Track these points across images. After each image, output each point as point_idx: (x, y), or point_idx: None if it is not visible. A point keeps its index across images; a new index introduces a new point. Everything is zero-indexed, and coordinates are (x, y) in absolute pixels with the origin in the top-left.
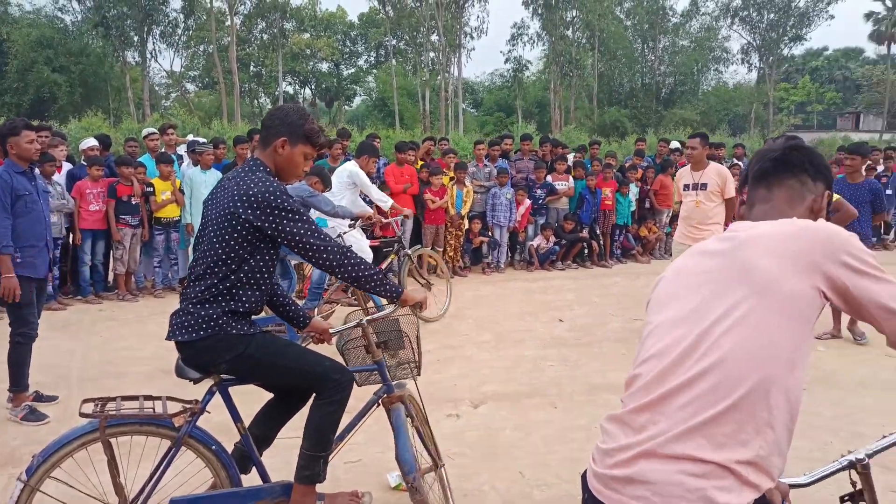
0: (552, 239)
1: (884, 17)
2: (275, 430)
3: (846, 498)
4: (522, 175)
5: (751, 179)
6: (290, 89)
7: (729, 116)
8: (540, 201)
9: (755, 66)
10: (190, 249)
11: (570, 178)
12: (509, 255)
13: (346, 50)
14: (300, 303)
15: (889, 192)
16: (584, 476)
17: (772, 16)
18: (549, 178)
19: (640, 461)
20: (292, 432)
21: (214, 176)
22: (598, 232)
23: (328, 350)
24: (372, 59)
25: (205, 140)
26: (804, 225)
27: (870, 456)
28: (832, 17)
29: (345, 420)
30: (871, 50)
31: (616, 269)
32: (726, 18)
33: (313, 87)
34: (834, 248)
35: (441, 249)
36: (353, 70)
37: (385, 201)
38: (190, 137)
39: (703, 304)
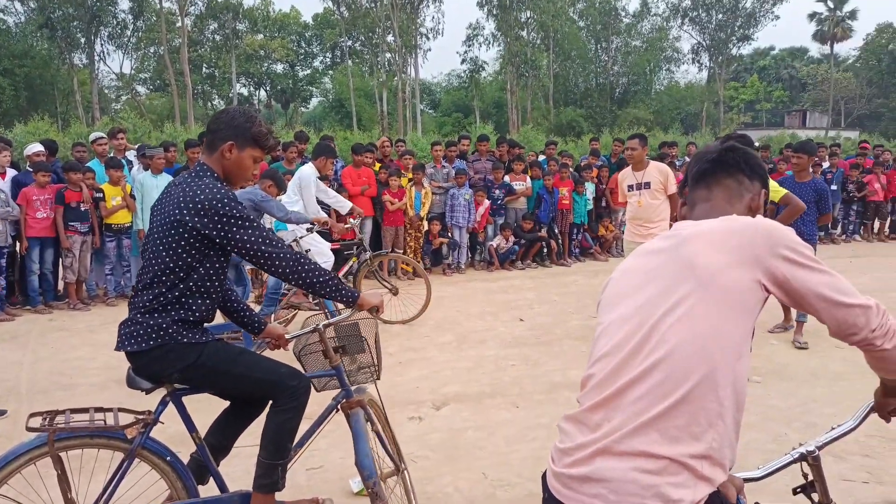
0: (511, 239)
1: (826, 17)
2: (231, 438)
3: (798, 489)
4: (480, 176)
5: (691, 181)
6: (244, 91)
7: (681, 115)
8: (498, 202)
9: (705, 66)
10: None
11: (528, 179)
12: (469, 255)
13: (301, 51)
14: (257, 308)
15: (834, 187)
16: (544, 476)
17: (720, 16)
18: (506, 178)
19: (596, 459)
20: (250, 440)
21: (165, 180)
22: (556, 231)
23: (285, 356)
24: (328, 60)
25: (155, 145)
26: (745, 221)
27: (820, 448)
28: (777, 17)
29: (304, 426)
30: (816, 49)
31: (575, 267)
32: (676, 19)
33: (268, 88)
34: (773, 241)
35: (401, 251)
36: (308, 71)
37: (343, 204)
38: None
39: (650, 301)
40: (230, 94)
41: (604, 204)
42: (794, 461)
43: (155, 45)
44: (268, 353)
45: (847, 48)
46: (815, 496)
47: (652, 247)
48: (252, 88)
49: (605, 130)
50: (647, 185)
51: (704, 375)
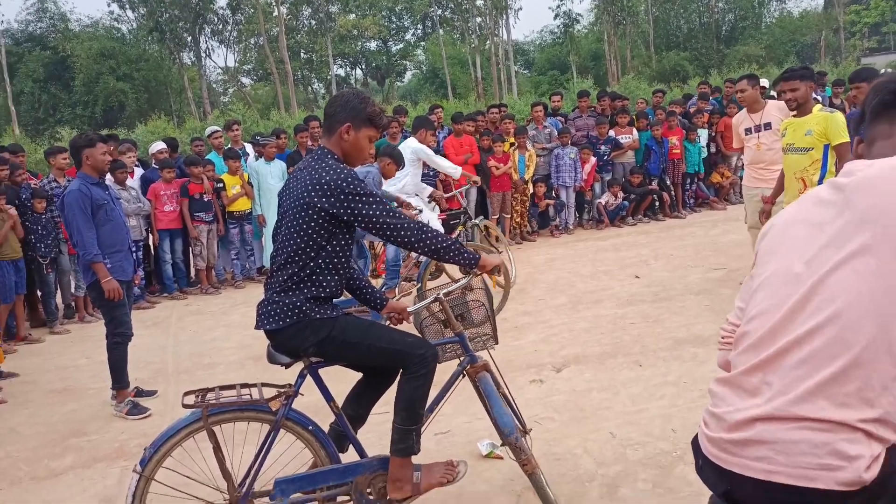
0: (620, 195)
1: None
2: (367, 408)
3: None
4: (583, 133)
5: (869, 115)
6: (341, 72)
7: (797, 48)
8: (605, 157)
9: None
10: (264, 240)
11: (634, 131)
12: (577, 215)
13: (393, 26)
14: (378, 282)
15: None
16: (694, 442)
17: None
18: (611, 132)
19: (757, 424)
20: (382, 408)
21: (278, 166)
22: (668, 183)
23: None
24: (419, 31)
25: (266, 133)
26: None
27: None
28: None
29: (432, 393)
30: None
31: (690, 219)
32: None
33: (364, 66)
34: None
35: (508, 216)
36: (401, 45)
37: (455, 170)
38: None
39: (817, 255)
40: (328, 77)
41: (714, 150)
42: None
43: (255, 37)
44: None
45: None
46: None
47: (822, 193)
48: (348, 68)
49: (713, 72)
50: (768, 125)
51: (877, 336)
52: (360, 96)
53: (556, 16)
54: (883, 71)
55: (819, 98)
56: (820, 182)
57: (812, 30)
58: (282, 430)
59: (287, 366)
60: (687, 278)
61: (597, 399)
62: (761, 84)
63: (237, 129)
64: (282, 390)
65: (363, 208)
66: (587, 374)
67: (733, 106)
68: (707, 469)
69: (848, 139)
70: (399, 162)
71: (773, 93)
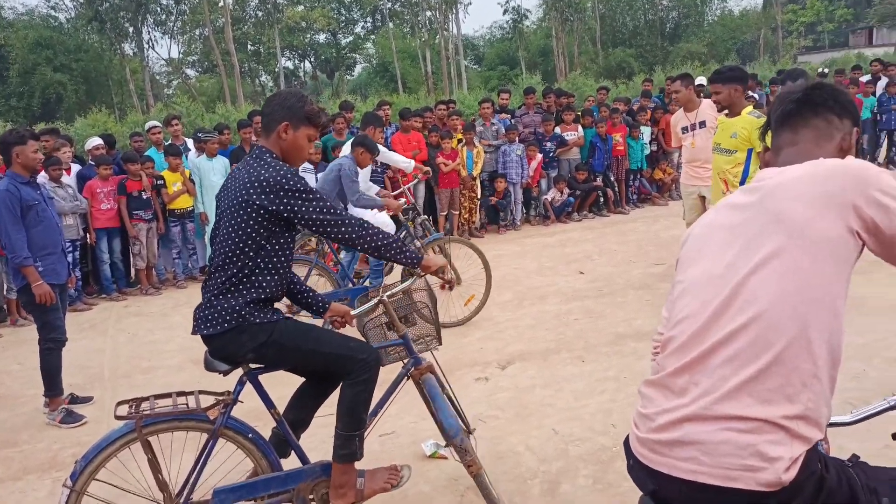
0: (566, 191)
1: None
2: (310, 413)
3: None
4: (530, 129)
5: (774, 123)
6: (289, 64)
7: (737, 45)
8: (551, 154)
9: None
10: (206, 238)
11: (579, 128)
12: (524, 211)
13: (342, 18)
14: (320, 288)
15: None
16: (626, 442)
17: None
18: (557, 129)
19: (685, 424)
20: (325, 410)
21: (221, 162)
22: (612, 179)
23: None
24: (369, 24)
25: (209, 128)
26: (832, 164)
27: None
28: None
29: (377, 395)
30: None
31: (634, 214)
32: None
33: (312, 59)
34: (864, 185)
35: (457, 213)
36: (350, 38)
37: (408, 163)
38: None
39: (735, 258)
40: (276, 69)
41: (656, 147)
42: (890, 408)
43: (200, 28)
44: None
45: None
46: None
47: (736, 200)
48: (297, 61)
49: (658, 69)
50: (703, 124)
51: (797, 335)
52: (298, 95)
53: (505, 11)
54: (822, 70)
55: (756, 96)
56: (742, 184)
57: (752, 28)
58: (221, 439)
59: (225, 373)
60: (629, 273)
61: (540, 395)
62: (697, 83)
63: (177, 125)
64: (220, 398)
65: (303, 205)
66: (531, 371)
67: (675, 103)
68: (637, 469)
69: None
70: (373, 150)
71: None
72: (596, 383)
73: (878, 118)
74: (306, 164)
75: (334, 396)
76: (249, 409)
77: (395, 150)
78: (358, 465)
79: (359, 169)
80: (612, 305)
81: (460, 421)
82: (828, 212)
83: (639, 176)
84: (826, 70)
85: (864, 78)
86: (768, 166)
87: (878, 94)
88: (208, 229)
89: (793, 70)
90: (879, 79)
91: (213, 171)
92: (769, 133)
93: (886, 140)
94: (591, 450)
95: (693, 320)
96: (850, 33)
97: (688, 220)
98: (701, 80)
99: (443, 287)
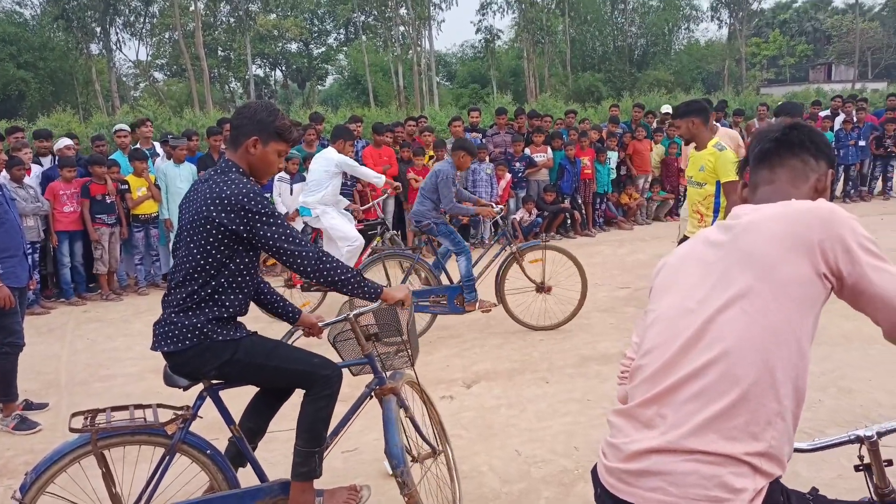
0: (534, 211)
1: None
2: (266, 421)
3: (860, 468)
4: (500, 149)
5: (752, 161)
6: (259, 72)
7: (702, 75)
8: (520, 174)
9: (725, 23)
10: (170, 245)
11: (549, 150)
12: (493, 230)
13: (315, 29)
14: (292, 293)
15: (862, 143)
16: (594, 471)
17: None
18: (527, 150)
19: (652, 455)
20: (286, 424)
21: (188, 169)
22: (579, 202)
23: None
24: (342, 36)
25: (177, 135)
26: (803, 206)
27: (881, 435)
28: None
29: (340, 411)
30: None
31: (599, 237)
32: None
33: (284, 68)
34: (831, 229)
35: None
36: (323, 49)
37: (379, 178)
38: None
39: (706, 294)
40: (246, 77)
41: (624, 172)
42: (849, 442)
43: (169, 31)
44: (301, 343)
45: None
46: (874, 478)
47: (711, 236)
48: (268, 69)
49: (626, 94)
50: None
51: (762, 374)
52: (269, 109)
53: (478, 30)
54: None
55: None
56: (714, 215)
57: (717, 59)
58: (178, 454)
59: (185, 388)
60: (595, 296)
61: (504, 415)
62: (663, 111)
63: (149, 127)
64: (179, 413)
65: (261, 228)
66: (496, 391)
67: (642, 129)
68: (604, 498)
69: (734, 178)
70: (474, 153)
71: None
72: (559, 405)
73: (836, 153)
74: (282, 174)
75: (293, 409)
76: (206, 422)
77: (366, 164)
78: (317, 483)
79: (458, 173)
80: (577, 327)
81: (426, 443)
82: (796, 253)
83: (605, 199)
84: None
85: (824, 113)
86: (746, 202)
87: (835, 130)
88: (173, 236)
89: (789, 104)
90: (838, 114)
91: (180, 178)
92: (746, 169)
93: (843, 175)
94: (553, 472)
95: (662, 351)
96: (810, 68)
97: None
98: (666, 108)
99: (539, 291)
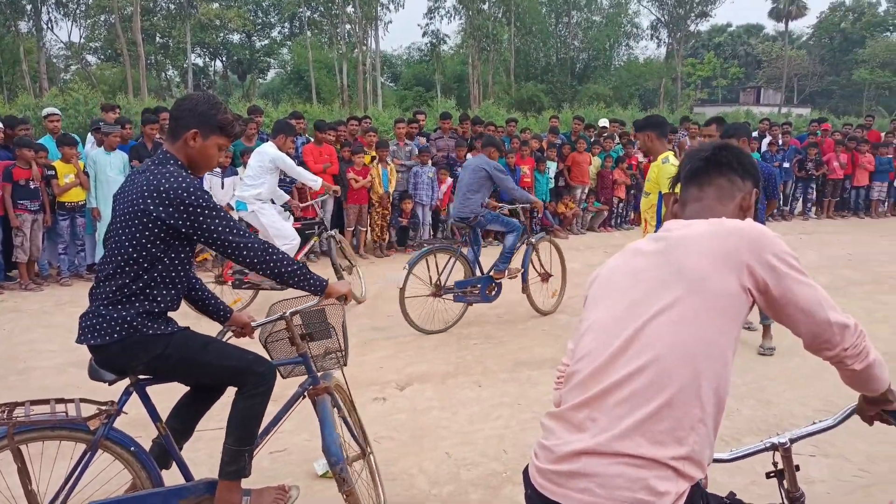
0: None
1: None
2: (194, 421)
3: (771, 474)
4: (443, 153)
5: (683, 178)
6: (199, 61)
7: (640, 91)
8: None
9: (664, 42)
10: (97, 235)
11: None
12: (432, 233)
13: (259, 21)
14: (222, 290)
15: (786, 165)
16: (525, 472)
17: None
18: (469, 155)
19: (582, 457)
20: (214, 423)
21: (119, 157)
22: (518, 209)
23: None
24: (286, 30)
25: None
26: (732, 225)
27: (793, 441)
28: None
29: (271, 411)
30: (771, 27)
31: None
32: None
33: (224, 59)
34: (759, 248)
35: (364, 229)
36: (266, 42)
37: (315, 181)
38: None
39: (637, 303)
40: (184, 65)
41: (563, 182)
42: (765, 450)
43: (105, 14)
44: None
45: (801, 26)
46: (785, 483)
47: (643, 247)
48: (207, 59)
49: (566, 106)
50: None
51: (688, 381)
52: (211, 101)
53: (425, 34)
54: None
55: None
56: (657, 224)
57: (654, 76)
58: (100, 450)
59: (111, 383)
60: (528, 302)
61: (436, 418)
62: (600, 124)
63: (117, 112)
64: (103, 408)
65: (203, 222)
66: (429, 393)
67: (583, 141)
68: (534, 499)
69: (664, 190)
70: (502, 150)
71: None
72: (491, 409)
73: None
74: (214, 168)
75: (224, 408)
76: (130, 419)
77: (306, 162)
78: (245, 483)
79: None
80: (512, 332)
81: (357, 443)
82: (724, 269)
83: (543, 208)
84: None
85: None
86: (676, 217)
87: (762, 151)
88: (100, 226)
89: (736, 125)
90: (765, 136)
91: (111, 166)
92: (678, 185)
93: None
94: (483, 474)
95: (594, 358)
96: (741, 90)
97: None
98: (604, 122)
99: (543, 280)
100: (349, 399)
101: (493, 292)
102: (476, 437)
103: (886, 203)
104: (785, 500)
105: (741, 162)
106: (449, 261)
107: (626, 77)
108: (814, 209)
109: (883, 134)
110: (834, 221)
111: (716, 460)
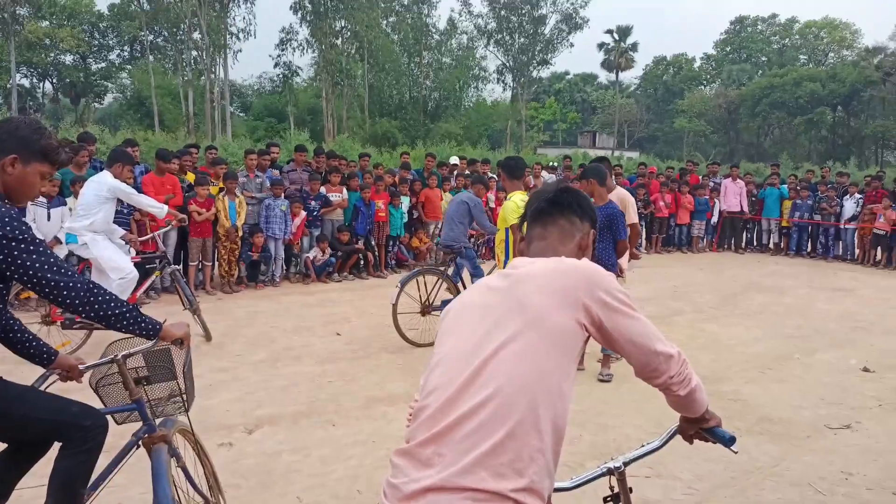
0: (328, 251)
1: (613, 48)
2: (11, 484)
3: (608, 499)
4: (297, 186)
5: (529, 218)
6: (25, 82)
7: (488, 131)
8: (315, 213)
9: (509, 86)
10: None
11: (344, 190)
12: (284, 268)
13: (95, 42)
14: (47, 331)
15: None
16: None
17: (522, 40)
18: (323, 189)
19: (428, 494)
20: (35, 480)
21: None
22: (373, 243)
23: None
24: (126, 53)
25: None
26: (570, 264)
27: (626, 464)
28: (572, 45)
29: (101, 463)
30: (604, 76)
31: (391, 279)
32: (482, 39)
33: (55, 80)
34: (592, 285)
35: (209, 264)
36: (103, 65)
37: (160, 208)
38: None
39: (484, 337)
40: (8, 85)
41: (416, 216)
42: (602, 475)
43: None
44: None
45: (630, 76)
46: None
47: (491, 283)
48: (35, 80)
49: (419, 143)
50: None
51: (527, 412)
52: (34, 126)
53: (277, 65)
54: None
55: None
56: (505, 259)
57: (501, 118)
58: None
59: None
60: (385, 337)
61: (287, 461)
62: (452, 162)
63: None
64: None
65: (19, 256)
66: (280, 436)
67: (434, 178)
68: None
69: (509, 225)
70: (488, 187)
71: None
72: (344, 448)
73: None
74: (39, 198)
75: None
76: None
77: (146, 192)
78: None
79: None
80: (366, 369)
81: (200, 495)
82: (561, 305)
83: (397, 242)
84: (556, 164)
85: None
86: (522, 254)
87: None
88: None
89: (592, 167)
90: None
91: None
92: (525, 224)
93: None
94: None
95: (442, 391)
96: (579, 134)
97: None
98: (454, 160)
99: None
100: (198, 445)
101: None
102: (328, 478)
103: (705, 240)
104: None
105: (580, 204)
106: (437, 282)
107: (475, 117)
108: (644, 245)
109: (701, 177)
110: (661, 256)
111: (558, 489)
